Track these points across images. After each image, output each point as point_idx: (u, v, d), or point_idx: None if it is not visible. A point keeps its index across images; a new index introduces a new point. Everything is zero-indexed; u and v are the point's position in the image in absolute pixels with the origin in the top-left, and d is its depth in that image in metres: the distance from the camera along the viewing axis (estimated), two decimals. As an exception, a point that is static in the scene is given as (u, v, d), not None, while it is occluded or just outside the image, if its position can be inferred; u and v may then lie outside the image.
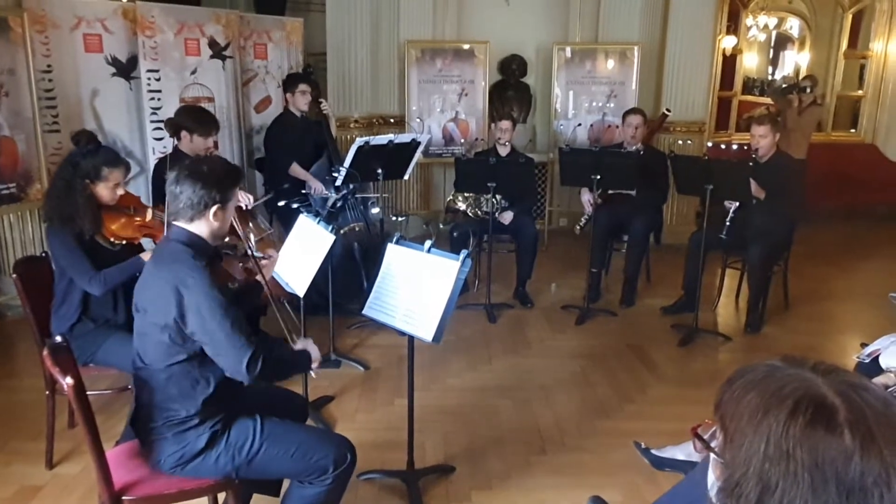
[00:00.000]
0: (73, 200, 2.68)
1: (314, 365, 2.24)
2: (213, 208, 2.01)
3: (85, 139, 2.80)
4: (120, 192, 2.83)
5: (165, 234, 2.08)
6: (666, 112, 5.44)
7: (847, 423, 0.84)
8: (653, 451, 2.89)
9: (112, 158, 2.80)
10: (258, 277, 2.40)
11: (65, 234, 2.70)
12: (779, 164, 4.32)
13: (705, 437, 1.00)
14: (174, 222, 2.04)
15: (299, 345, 2.27)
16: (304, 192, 4.56)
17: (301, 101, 4.68)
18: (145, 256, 2.71)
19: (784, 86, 7.84)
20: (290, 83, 4.78)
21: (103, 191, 2.76)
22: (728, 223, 4.17)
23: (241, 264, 2.34)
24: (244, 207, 3.63)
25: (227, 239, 2.28)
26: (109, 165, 2.76)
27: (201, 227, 2.03)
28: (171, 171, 2.04)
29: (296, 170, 4.64)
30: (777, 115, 6.09)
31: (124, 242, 2.85)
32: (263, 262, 2.48)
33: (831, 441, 0.84)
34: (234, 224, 2.27)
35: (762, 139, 4.27)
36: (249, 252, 2.36)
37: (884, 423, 0.85)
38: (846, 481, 0.83)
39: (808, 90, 6.87)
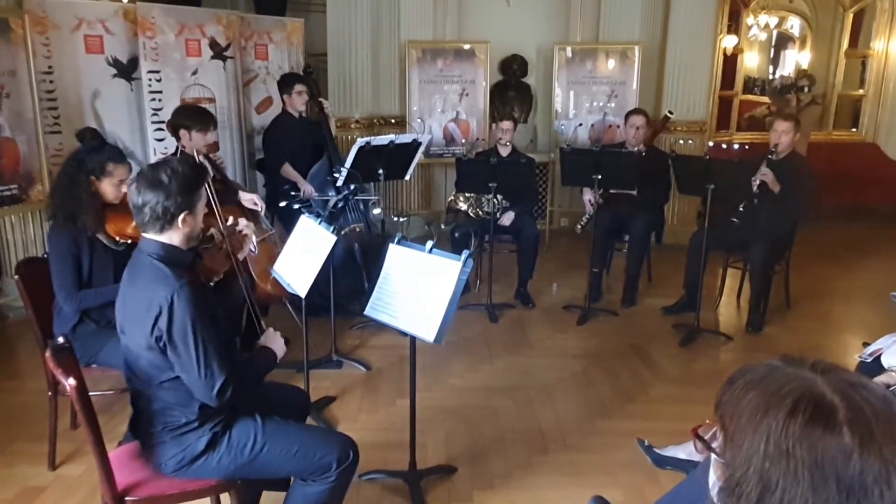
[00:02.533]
0: (77, 196, 2.69)
1: (279, 349, 2.20)
2: (181, 216, 1.94)
3: (89, 136, 2.81)
4: (124, 189, 2.82)
5: (139, 245, 2.01)
6: (668, 114, 5.43)
7: (846, 421, 0.85)
8: (655, 450, 2.89)
9: (116, 155, 2.80)
10: (240, 254, 2.36)
11: (64, 237, 2.70)
12: (792, 163, 4.33)
13: (706, 437, 1.00)
14: (144, 234, 1.97)
15: (262, 339, 2.21)
16: (292, 193, 4.55)
17: (298, 102, 4.68)
18: None
19: (782, 85, 7.83)
20: (285, 84, 4.75)
21: (108, 187, 2.77)
22: (741, 209, 4.16)
23: (222, 251, 2.31)
24: (259, 211, 3.66)
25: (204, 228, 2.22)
26: (114, 161, 2.77)
27: (172, 237, 1.96)
28: (131, 183, 1.97)
29: (287, 170, 4.63)
30: (774, 114, 6.10)
31: (129, 242, 2.85)
32: (239, 233, 2.43)
33: (831, 439, 0.84)
34: (211, 203, 2.21)
35: (784, 135, 4.27)
36: (222, 228, 2.31)
37: (883, 421, 0.85)
38: (846, 479, 0.83)
39: (806, 90, 6.86)
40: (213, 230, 2.38)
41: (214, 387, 1.88)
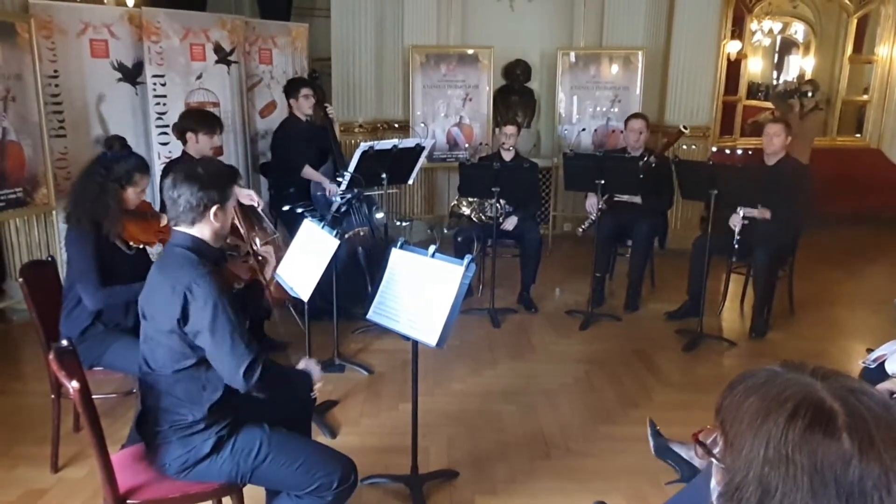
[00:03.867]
0: (105, 204, 2.73)
1: (316, 386, 2.26)
2: (213, 209, 2.01)
3: (118, 145, 2.86)
4: (143, 196, 2.89)
5: (170, 240, 2.09)
6: (682, 129, 5.34)
7: (846, 426, 0.85)
8: (663, 438, 2.84)
9: (143, 164, 2.87)
10: (259, 276, 2.41)
11: (86, 239, 2.73)
12: (787, 168, 4.32)
13: (707, 442, 1.00)
14: (175, 227, 2.05)
15: (302, 364, 2.28)
16: (319, 193, 4.55)
17: (305, 106, 4.70)
18: None
19: (785, 90, 7.83)
20: (291, 88, 4.79)
21: (131, 195, 2.82)
22: (738, 236, 4.17)
23: (245, 263, 2.35)
24: (257, 206, 3.63)
25: (228, 240, 2.27)
26: (141, 171, 2.83)
27: (203, 230, 2.04)
28: (166, 178, 2.05)
29: (308, 172, 4.65)
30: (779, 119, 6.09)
31: (140, 246, 2.88)
32: (261, 258, 2.49)
33: (830, 445, 0.84)
34: (237, 223, 2.27)
35: (776, 137, 4.28)
36: (251, 249, 2.37)
37: (883, 427, 0.85)
38: (845, 485, 0.83)
39: (810, 95, 6.86)
40: (239, 244, 2.41)
41: (242, 365, 1.90)
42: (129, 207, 2.84)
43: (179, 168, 2.05)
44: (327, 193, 4.57)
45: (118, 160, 2.79)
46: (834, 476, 0.83)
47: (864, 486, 0.83)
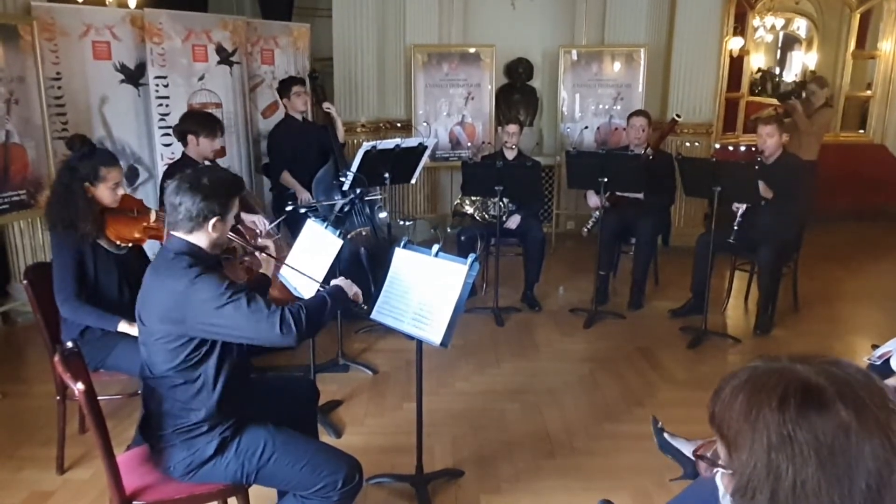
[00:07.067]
0: (74, 204, 2.70)
1: (352, 295, 2.24)
2: (213, 220, 2.00)
3: (79, 143, 2.82)
4: (120, 192, 2.84)
5: (164, 243, 2.07)
6: (676, 118, 5.36)
7: (838, 396, 0.88)
8: (666, 435, 2.84)
9: (108, 158, 2.83)
10: (262, 270, 2.40)
11: (65, 244, 2.72)
12: (786, 165, 4.31)
13: (708, 455, 1.02)
14: (173, 232, 2.03)
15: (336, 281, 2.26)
16: (290, 203, 4.56)
17: (298, 103, 4.73)
18: (121, 327, 2.71)
19: (793, 88, 7.81)
20: (283, 88, 4.86)
21: (104, 192, 2.77)
22: (736, 227, 4.17)
23: (241, 265, 2.35)
24: (260, 232, 3.62)
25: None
26: (106, 165, 2.77)
27: (200, 238, 2.02)
28: (170, 181, 2.03)
29: (286, 178, 4.70)
30: (785, 115, 6.08)
31: (130, 245, 2.86)
32: (263, 255, 2.47)
33: (827, 416, 0.87)
34: (240, 226, 2.26)
35: (769, 138, 4.28)
36: (251, 248, 2.35)
37: (869, 390, 0.90)
38: (851, 453, 0.86)
39: (818, 91, 6.83)
40: (235, 244, 2.40)
41: (275, 327, 1.90)
42: (106, 205, 2.79)
43: (185, 176, 2.02)
44: (299, 202, 4.57)
45: (81, 158, 2.76)
46: (838, 445, 0.86)
47: (862, 451, 0.86)
